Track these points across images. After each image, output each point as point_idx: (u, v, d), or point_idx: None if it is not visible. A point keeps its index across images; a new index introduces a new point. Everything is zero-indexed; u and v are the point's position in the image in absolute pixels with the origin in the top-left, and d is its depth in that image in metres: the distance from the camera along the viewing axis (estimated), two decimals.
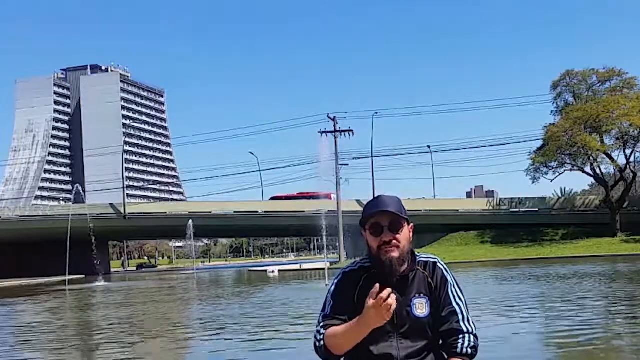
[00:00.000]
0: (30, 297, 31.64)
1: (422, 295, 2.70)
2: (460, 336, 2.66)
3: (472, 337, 2.67)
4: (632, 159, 57.98)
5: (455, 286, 2.76)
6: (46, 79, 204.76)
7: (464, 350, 2.64)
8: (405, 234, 2.69)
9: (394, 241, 2.64)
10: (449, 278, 2.75)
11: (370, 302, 2.48)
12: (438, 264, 2.78)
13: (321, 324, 2.71)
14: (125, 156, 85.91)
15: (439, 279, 2.74)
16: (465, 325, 2.68)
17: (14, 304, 27.24)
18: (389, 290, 2.46)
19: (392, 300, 2.45)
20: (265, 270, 47.36)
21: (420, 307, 2.69)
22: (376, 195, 2.87)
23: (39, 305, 25.96)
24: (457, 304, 2.71)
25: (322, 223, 39.16)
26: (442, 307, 2.70)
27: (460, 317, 2.69)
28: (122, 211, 64.28)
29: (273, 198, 73.00)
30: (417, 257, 2.77)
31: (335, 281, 2.80)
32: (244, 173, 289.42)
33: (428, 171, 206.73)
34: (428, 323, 2.69)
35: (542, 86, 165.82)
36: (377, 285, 2.49)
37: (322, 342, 2.66)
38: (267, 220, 65.68)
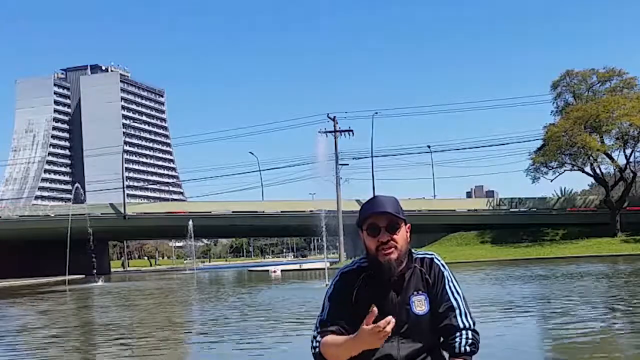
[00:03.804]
0: (29, 297, 31.58)
1: (420, 292, 2.68)
2: (457, 334, 2.63)
3: (470, 332, 2.64)
4: (632, 159, 58.11)
5: (453, 281, 2.73)
6: (46, 79, 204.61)
7: (462, 348, 2.61)
8: (402, 235, 2.67)
9: (392, 242, 2.63)
10: (445, 273, 2.73)
11: (366, 327, 2.43)
12: (435, 260, 2.76)
13: (318, 330, 2.70)
14: (125, 156, 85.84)
15: (436, 274, 2.71)
16: (463, 321, 2.65)
17: (11, 304, 27.19)
18: (388, 318, 2.41)
19: (390, 328, 2.41)
20: (267, 270, 47.06)
21: (420, 305, 2.66)
22: (375, 195, 2.83)
23: (36, 306, 25.91)
24: (455, 299, 2.68)
25: (321, 223, 39.07)
26: (440, 302, 2.67)
27: (457, 312, 2.66)
28: (122, 211, 64.27)
29: None
30: (414, 255, 2.76)
31: (333, 282, 2.78)
32: (244, 173, 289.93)
33: (428, 171, 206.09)
34: (428, 320, 2.67)
35: (542, 86, 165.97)
36: (375, 309, 2.45)
37: (317, 350, 2.67)
38: (267, 220, 65.60)
